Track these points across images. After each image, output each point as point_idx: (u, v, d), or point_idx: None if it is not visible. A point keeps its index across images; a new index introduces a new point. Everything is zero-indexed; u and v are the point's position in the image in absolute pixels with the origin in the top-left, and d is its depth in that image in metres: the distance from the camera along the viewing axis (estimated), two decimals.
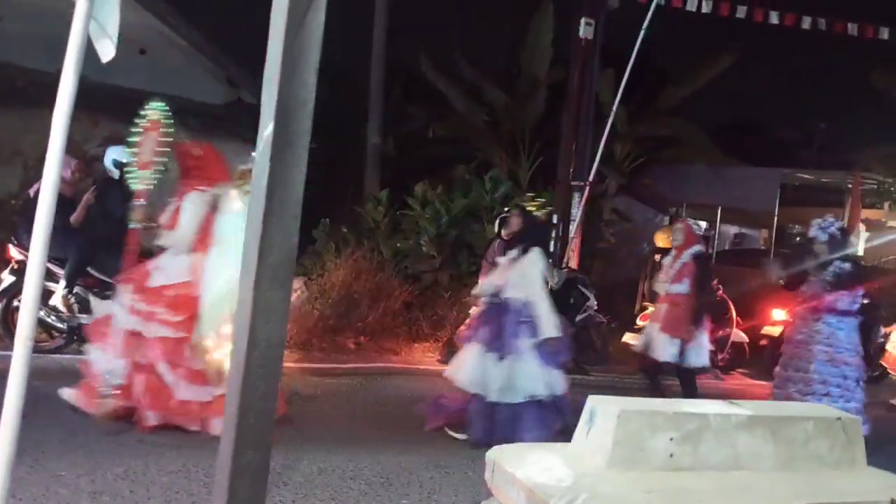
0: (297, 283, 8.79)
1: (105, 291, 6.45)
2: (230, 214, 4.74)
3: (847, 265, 5.87)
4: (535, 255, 5.25)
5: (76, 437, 4.34)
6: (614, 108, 9.61)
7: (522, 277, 5.15)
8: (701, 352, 6.48)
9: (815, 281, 5.89)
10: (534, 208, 7.48)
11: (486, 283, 5.56)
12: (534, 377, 4.96)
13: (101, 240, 6.36)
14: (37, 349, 2.24)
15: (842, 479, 2.48)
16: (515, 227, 5.98)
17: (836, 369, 5.77)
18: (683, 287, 6.36)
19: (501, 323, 5.05)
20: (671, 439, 2.33)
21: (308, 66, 1.56)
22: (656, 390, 6.85)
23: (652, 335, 6.59)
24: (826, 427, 2.58)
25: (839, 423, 2.61)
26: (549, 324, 5.06)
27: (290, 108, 1.53)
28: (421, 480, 4.23)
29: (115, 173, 6.50)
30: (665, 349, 6.40)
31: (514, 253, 5.35)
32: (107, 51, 2.61)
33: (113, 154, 6.57)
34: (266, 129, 1.50)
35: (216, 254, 4.69)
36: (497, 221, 8.78)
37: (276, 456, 4.10)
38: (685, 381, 6.66)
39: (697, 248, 6.47)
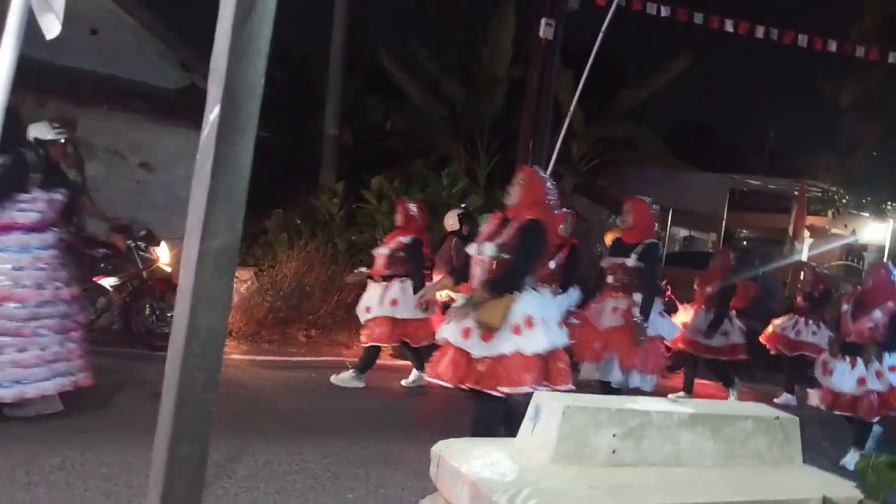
0: (248, 274, 8.66)
1: None
2: None
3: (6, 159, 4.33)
4: None
5: (12, 426, 4.19)
6: (571, 108, 9.69)
7: None
8: None
9: None
10: None
11: None
12: None
13: None
14: None
15: (779, 476, 2.55)
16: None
17: None
18: None
19: None
20: (614, 435, 2.36)
21: (258, 51, 1.53)
22: None
23: None
24: (765, 426, 2.65)
25: (777, 422, 2.68)
26: None
27: (238, 93, 1.50)
28: (368, 474, 4.20)
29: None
30: None
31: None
32: (52, 27, 2.51)
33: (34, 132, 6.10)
34: (212, 113, 1.47)
35: None
36: (457, 217, 8.70)
37: (220, 448, 4.05)
38: None
39: None
